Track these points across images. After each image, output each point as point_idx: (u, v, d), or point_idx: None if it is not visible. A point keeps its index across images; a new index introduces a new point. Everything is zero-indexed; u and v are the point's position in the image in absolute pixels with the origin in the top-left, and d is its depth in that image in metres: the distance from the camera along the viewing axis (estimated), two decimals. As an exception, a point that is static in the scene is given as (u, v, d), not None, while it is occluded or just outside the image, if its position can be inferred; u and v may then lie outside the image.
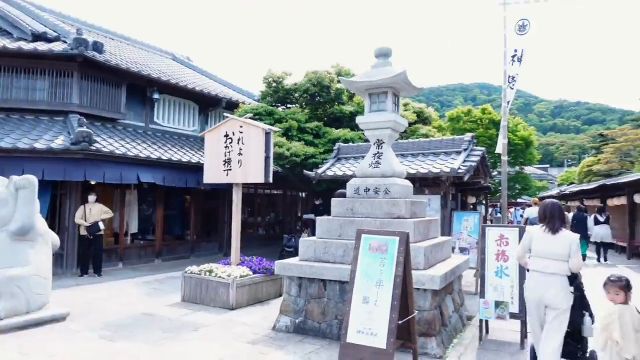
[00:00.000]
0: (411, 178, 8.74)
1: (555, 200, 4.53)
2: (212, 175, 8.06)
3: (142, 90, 12.19)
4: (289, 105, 13.28)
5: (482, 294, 5.54)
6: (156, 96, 12.24)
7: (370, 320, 4.13)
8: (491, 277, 5.57)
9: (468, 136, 9.23)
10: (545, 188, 35.79)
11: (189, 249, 12.99)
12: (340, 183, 9.63)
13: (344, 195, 7.58)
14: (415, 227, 5.54)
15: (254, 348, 5.12)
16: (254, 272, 7.49)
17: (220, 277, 7.13)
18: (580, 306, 4.37)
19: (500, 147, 14.04)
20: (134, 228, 11.76)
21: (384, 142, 6.18)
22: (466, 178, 8.23)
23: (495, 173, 18.36)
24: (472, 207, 22.62)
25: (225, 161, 7.86)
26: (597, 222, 14.07)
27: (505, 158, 14.10)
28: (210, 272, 7.34)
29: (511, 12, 12.73)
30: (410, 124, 13.28)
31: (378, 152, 6.21)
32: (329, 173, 10.03)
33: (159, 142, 12.01)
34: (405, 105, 13.88)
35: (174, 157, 11.22)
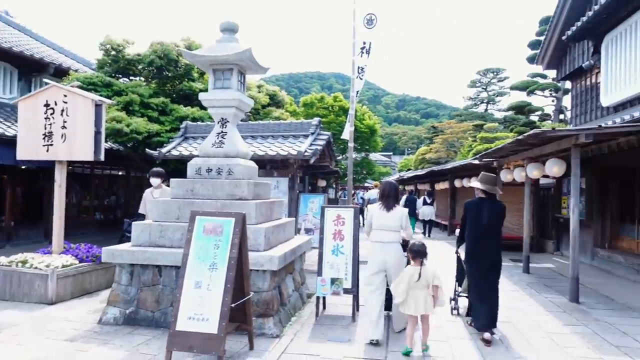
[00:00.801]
0: (260, 159, 8.69)
1: (392, 181, 5.28)
2: (29, 150, 6.91)
3: None
4: (131, 78, 12.11)
5: (320, 272, 5.76)
6: (-44, 53, 10.05)
7: (201, 305, 3.95)
8: (328, 255, 5.81)
9: (315, 120, 9.51)
10: (388, 173, 39.39)
11: (4, 237, 11.11)
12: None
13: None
14: (257, 208, 5.48)
15: (71, 345, 4.53)
16: (81, 261, 6.68)
17: (36, 267, 6.19)
18: None
19: (347, 133, 14.89)
20: None
21: (228, 121, 5.97)
22: (312, 160, 8.47)
23: (340, 157, 19.47)
24: (322, 190, 23.76)
25: (45, 135, 6.79)
26: (425, 203, 16.35)
27: (351, 144, 14.98)
28: (24, 262, 6.33)
29: (360, 6, 13.37)
30: (264, 106, 13.23)
31: (222, 131, 5.98)
32: (175, 152, 9.43)
33: (-40, 109, 9.91)
34: (259, 86, 13.77)
35: (-19, 129, 9.38)
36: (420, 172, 22.42)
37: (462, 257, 5.49)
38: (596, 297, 7.19)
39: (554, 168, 8.00)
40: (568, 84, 18.71)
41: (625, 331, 5.34)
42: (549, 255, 11.97)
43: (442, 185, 19.16)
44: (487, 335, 4.78)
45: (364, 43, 14.07)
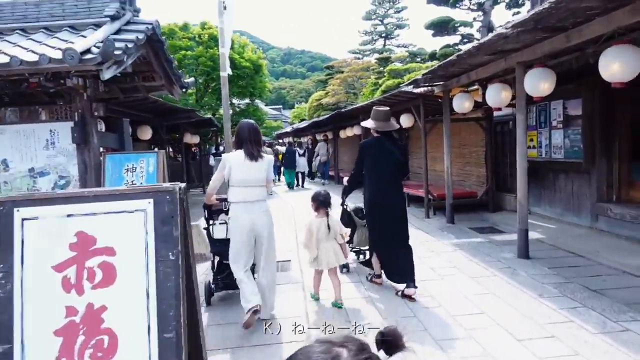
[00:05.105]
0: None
1: (251, 121, 4.13)
2: None
3: None
4: None
5: None
6: None
7: None
8: None
9: (119, -9, 4.45)
10: (280, 127, 34.95)
11: None
12: None
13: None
14: None
15: None
16: None
17: None
18: None
19: (225, 64, 10.25)
20: None
21: None
22: (108, 73, 3.61)
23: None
24: (195, 149, 18.46)
25: None
26: (298, 155, 16.29)
27: (224, 74, 10.20)
28: None
29: None
30: None
31: None
32: None
33: None
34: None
35: None
36: (320, 119, 18.24)
37: (350, 208, 5.36)
38: None
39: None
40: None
41: None
42: (512, 214, 8.52)
43: (349, 132, 15.25)
44: (411, 290, 4.30)
45: None
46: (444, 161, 8.26)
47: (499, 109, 7.20)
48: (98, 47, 3.52)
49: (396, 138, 4.82)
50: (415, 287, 4.32)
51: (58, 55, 3.49)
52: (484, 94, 8.24)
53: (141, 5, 4.61)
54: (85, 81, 4.26)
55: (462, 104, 7.26)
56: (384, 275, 4.73)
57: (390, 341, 0.87)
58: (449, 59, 6.23)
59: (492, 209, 8.90)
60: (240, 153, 3.79)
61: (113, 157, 4.45)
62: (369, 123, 4.67)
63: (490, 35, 5.01)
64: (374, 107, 4.79)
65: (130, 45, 3.81)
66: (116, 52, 3.60)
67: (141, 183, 4.40)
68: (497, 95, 6.14)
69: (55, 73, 3.86)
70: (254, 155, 3.77)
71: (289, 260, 5.94)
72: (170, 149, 16.30)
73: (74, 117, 4.34)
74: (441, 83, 7.96)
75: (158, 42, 4.46)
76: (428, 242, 6.73)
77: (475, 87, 8.24)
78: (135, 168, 4.41)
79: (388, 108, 4.81)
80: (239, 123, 4.12)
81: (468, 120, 9.08)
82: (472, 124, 9.21)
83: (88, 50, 3.59)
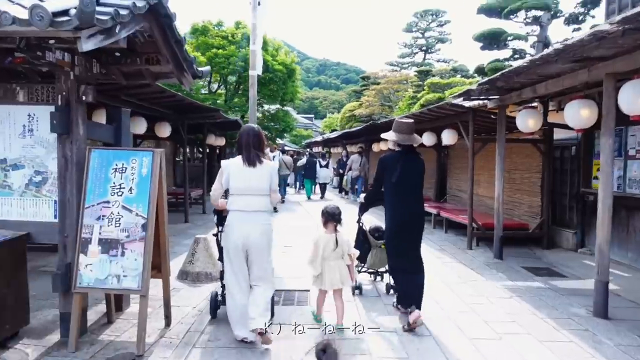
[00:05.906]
0: None
1: (253, 125, 3.94)
2: None
3: None
4: None
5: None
6: None
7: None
8: None
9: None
10: (310, 136, 34.24)
11: None
12: None
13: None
14: None
15: None
16: None
17: None
18: None
19: (255, 62, 9.59)
20: None
21: None
22: (87, 43, 2.80)
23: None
24: (219, 154, 17.70)
25: None
26: (320, 166, 16.08)
27: (254, 72, 9.47)
28: None
29: None
30: None
31: None
32: None
33: None
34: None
35: None
36: (352, 130, 17.30)
37: (366, 227, 5.18)
38: None
39: None
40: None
41: None
42: (570, 253, 7.39)
43: (383, 146, 14.26)
44: (415, 314, 3.89)
45: None
46: (495, 187, 7.14)
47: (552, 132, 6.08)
48: (72, 7, 2.68)
49: (418, 153, 4.50)
50: (419, 309, 4.01)
51: (24, 14, 2.66)
52: (545, 112, 7.20)
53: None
54: (73, 57, 3.44)
55: (526, 122, 6.17)
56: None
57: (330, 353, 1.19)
58: (515, 66, 5.19)
59: (545, 246, 7.71)
60: (239, 159, 3.57)
61: (101, 152, 3.59)
62: (390, 135, 4.37)
63: (581, 35, 3.96)
64: (396, 119, 4.56)
65: (123, 12, 2.95)
66: (101, 17, 2.76)
67: (131, 188, 3.53)
68: (579, 114, 5.02)
69: (28, 42, 3.05)
70: (252, 160, 3.52)
71: (307, 291, 4.94)
72: (196, 150, 15.72)
73: (56, 100, 3.52)
74: (497, 97, 6.90)
75: (166, 17, 3.61)
76: (476, 281, 5.64)
77: (535, 103, 7.17)
78: (126, 168, 3.54)
79: (412, 120, 4.42)
80: (241, 127, 3.89)
81: (524, 142, 7.95)
82: (526, 146, 8.08)
83: (66, 12, 2.76)
